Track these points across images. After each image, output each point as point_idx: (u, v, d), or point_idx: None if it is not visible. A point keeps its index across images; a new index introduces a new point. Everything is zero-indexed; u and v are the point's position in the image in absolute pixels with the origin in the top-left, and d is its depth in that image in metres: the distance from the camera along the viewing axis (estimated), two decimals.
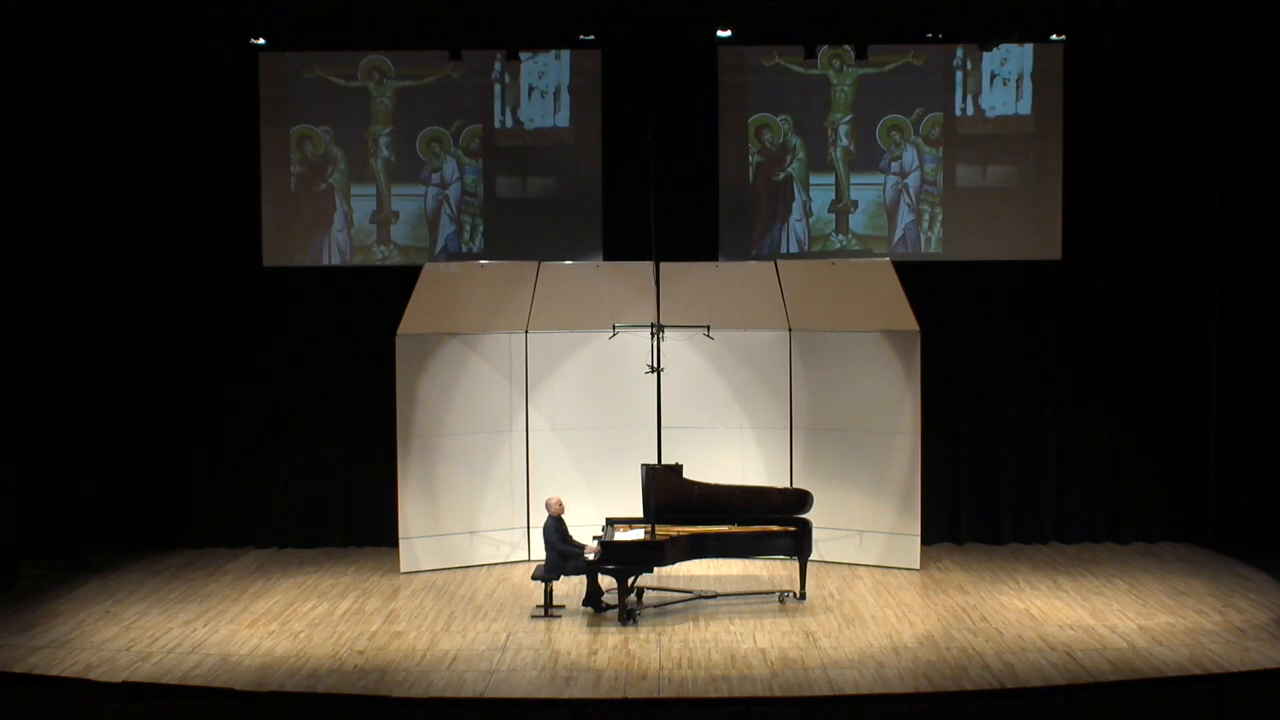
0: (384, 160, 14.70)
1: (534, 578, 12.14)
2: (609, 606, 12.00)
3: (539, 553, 13.03)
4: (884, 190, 14.67)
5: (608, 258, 14.34)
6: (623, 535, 12.23)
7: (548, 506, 12.31)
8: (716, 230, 14.60)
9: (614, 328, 13.29)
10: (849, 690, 9.91)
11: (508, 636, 11.40)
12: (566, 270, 13.97)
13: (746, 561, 13.73)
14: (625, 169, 14.37)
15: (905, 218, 14.66)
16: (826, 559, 13.73)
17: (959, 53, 14.54)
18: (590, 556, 11.91)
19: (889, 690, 9.94)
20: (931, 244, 14.66)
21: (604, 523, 12.65)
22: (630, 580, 12.00)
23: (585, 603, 12.13)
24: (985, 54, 14.38)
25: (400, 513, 13.65)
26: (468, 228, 14.73)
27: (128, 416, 14.53)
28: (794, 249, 14.63)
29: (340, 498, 14.75)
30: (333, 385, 14.59)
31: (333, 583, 13.26)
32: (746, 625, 11.68)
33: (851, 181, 14.68)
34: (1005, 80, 14.55)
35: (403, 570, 13.56)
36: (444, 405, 13.81)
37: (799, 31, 14.10)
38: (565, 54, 14.56)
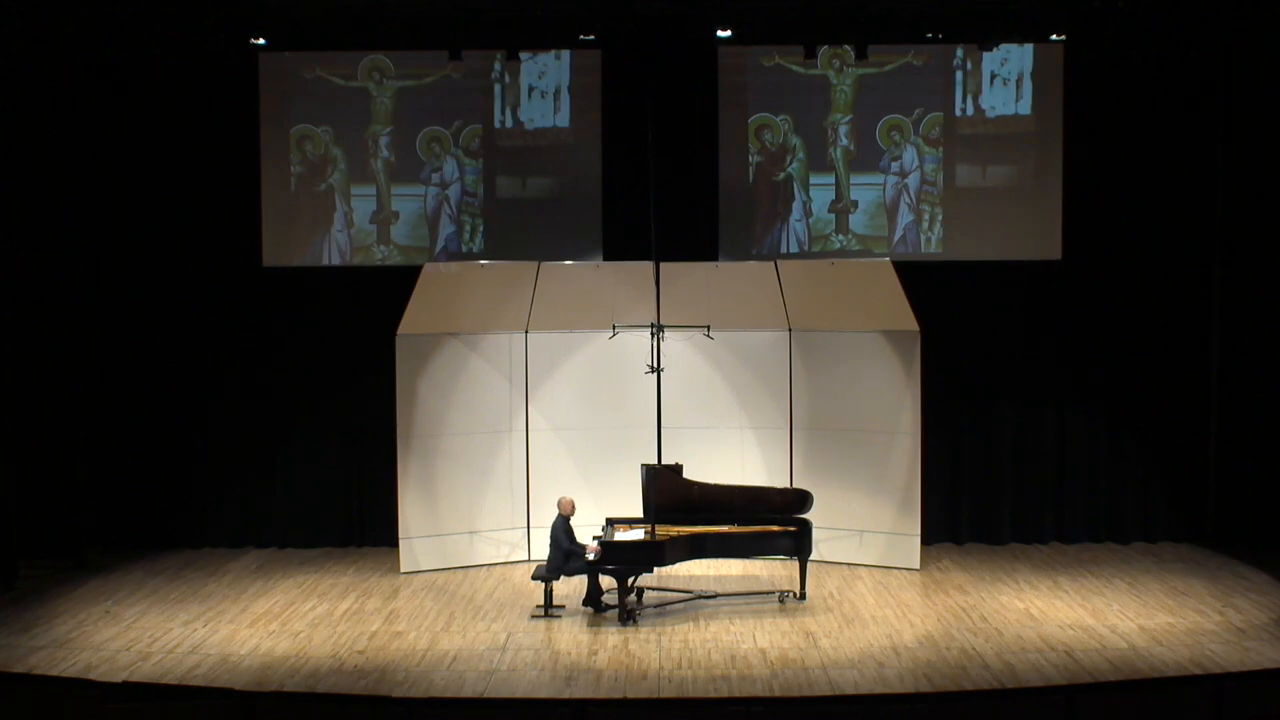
0: (384, 160, 14.69)
1: (534, 578, 12.13)
2: (609, 606, 12.00)
3: (539, 553, 13.04)
4: (884, 190, 14.66)
5: (608, 258, 14.33)
6: (623, 535, 12.24)
7: (559, 505, 12.30)
8: (716, 230, 14.59)
9: (614, 328, 13.29)
10: (849, 690, 9.91)
11: (508, 636, 11.40)
12: (566, 270, 13.97)
13: (746, 561, 13.73)
14: (625, 169, 14.38)
15: (905, 218, 14.65)
16: (826, 559, 13.73)
17: (959, 53, 14.53)
18: (590, 556, 11.91)
19: (889, 690, 9.94)
20: (931, 244, 14.65)
21: (604, 523, 12.65)
22: (630, 580, 12.01)
23: (585, 603, 12.13)
24: (985, 54, 14.40)
25: (400, 513, 13.65)
26: (468, 228, 14.72)
27: (128, 416, 14.53)
28: (794, 249, 14.62)
29: (340, 498, 14.75)
30: (333, 385, 14.59)
31: (333, 583, 13.26)
32: (746, 625, 11.68)
33: (851, 181, 14.68)
34: (1005, 80, 14.54)
35: (403, 570, 13.56)
36: (444, 405, 13.81)
37: (799, 31, 14.12)
38: (565, 54, 14.55)
